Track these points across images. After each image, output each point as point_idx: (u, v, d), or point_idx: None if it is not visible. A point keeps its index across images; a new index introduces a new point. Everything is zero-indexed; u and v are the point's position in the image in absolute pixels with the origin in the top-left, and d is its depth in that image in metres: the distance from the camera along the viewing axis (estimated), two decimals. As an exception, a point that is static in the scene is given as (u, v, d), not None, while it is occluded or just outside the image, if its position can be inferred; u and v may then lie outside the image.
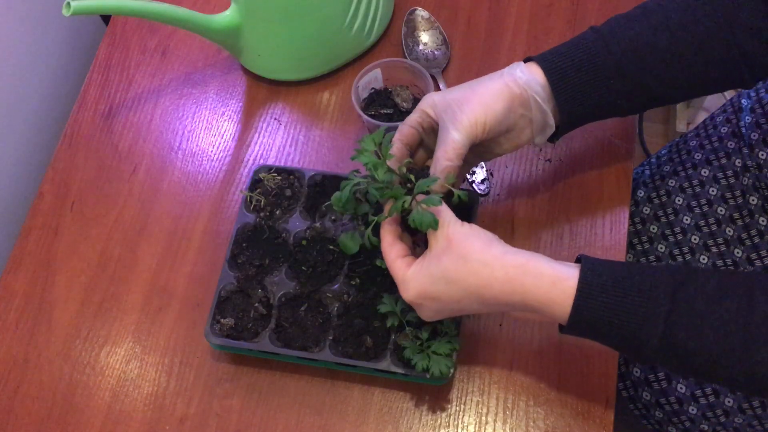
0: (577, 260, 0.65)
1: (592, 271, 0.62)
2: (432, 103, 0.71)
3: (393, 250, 0.68)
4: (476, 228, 0.66)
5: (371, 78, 0.87)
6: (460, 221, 0.66)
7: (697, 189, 0.92)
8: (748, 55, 0.70)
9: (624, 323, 0.61)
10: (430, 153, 0.73)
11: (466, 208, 0.81)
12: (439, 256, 0.65)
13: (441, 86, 0.93)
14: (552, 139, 0.76)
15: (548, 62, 0.72)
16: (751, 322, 0.58)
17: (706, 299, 0.60)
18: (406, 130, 0.72)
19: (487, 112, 0.69)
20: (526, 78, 0.71)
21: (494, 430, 0.75)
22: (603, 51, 0.71)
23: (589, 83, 0.71)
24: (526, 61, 0.74)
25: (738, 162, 0.91)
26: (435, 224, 0.65)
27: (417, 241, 0.72)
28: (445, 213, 0.66)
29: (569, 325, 0.63)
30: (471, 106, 0.69)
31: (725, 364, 0.59)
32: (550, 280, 0.62)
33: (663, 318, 0.59)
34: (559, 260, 0.64)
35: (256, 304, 0.78)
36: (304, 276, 0.79)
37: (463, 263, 0.64)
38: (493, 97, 0.70)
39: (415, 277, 0.66)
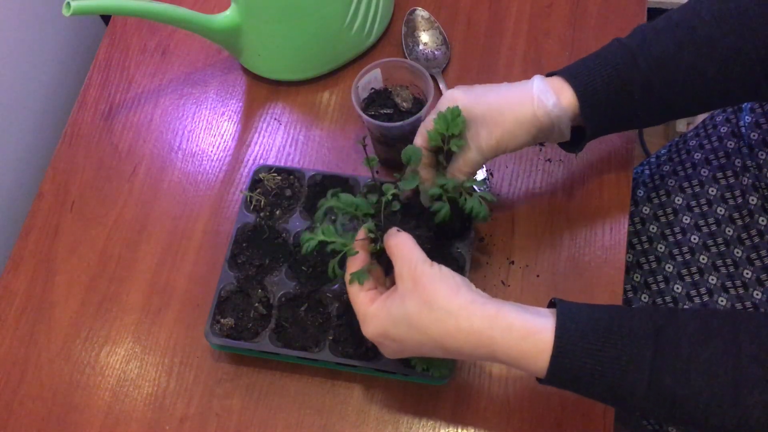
0: (551, 302, 0.64)
1: (569, 317, 0.59)
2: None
3: (356, 283, 0.66)
4: (446, 271, 0.63)
5: (371, 78, 0.87)
6: (429, 261, 0.63)
7: (697, 189, 0.92)
8: None
9: (607, 371, 0.58)
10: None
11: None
12: (403, 298, 0.62)
13: (441, 86, 0.93)
14: (573, 149, 0.77)
15: (582, 87, 0.70)
16: (739, 365, 0.56)
17: (689, 342, 0.57)
18: (426, 133, 0.72)
19: (510, 141, 0.71)
20: (558, 113, 0.70)
21: (494, 430, 0.75)
22: (631, 67, 0.70)
23: (617, 103, 0.71)
24: (551, 74, 0.73)
25: (738, 162, 0.91)
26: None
27: (388, 273, 0.69)
28: (414, 252, 0.63)
29: (549, 375, 0.59)
30: (495, 131, 0.70)
31: (716, 409, 0.56)
32: (519, 333, 0.59)
33: (648, 363, 0.57)
34: (530, 307, 0.62)
35: (256, 304, 0.78)
36: (304, 276, 0.80)
37: (427, 310, 0.60)
38: (518, 127, 0.70)
39: (377, 315, 0.63)
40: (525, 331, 0.59)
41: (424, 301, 0.61)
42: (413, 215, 0.74)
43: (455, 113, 0.69)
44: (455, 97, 0.71)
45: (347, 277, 0.66)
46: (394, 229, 0.67)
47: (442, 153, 0.72)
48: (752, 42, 0.69)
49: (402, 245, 0.64)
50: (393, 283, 0.65)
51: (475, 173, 0.73)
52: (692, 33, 0.70)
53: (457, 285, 0.62)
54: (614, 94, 0.71)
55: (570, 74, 0.72)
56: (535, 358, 0.59)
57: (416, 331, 0.61)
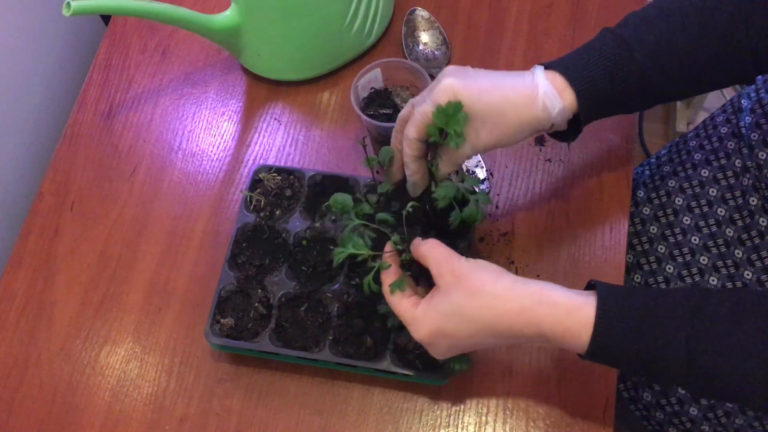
0: (588, 284, 0.65)
1: (608, 298, 0.61)
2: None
3: (397, 291, 0.67)
4: (482, 261, 0.65)
5: (371, 78, 0.87)
6: (463, 257, 0.65)
7: (697, 189, 0.92)
8: (758, 54, 0.70)
9: (645, 350, 0.60)
10: None
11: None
12: (448, 293, 0.64)
13: (441, 86, 0.93)
14: (567, 139, 0.76)
15: (583, 87, 0.69)
16: None
17: (724, 321, 0.59)
18: (422, 126, 0.68)
19: (509, 141, 0.70)
20: (561, 118, 0.69)
21: (494, 430, 0.75)
22: (628, 59, 0.70)
23: (614, 96, 0.71)
24: (547, 67, 0.71)
25: (738, 162, 0.91)
26: (477, 215, 0.70)
27: (419, 282, 0.71)
28: (448, 250, 0.66)
29: (590, 352, 0.61)
30: (495, 132, 0.68)
31: (749, 385, 0.59)
32: (565, 309, 0.61)
33: (684, 343, 0.59)
34: (570, 288, 0.64)
35: (256, 304, 0.78)
36: (304, 276, 0.79)
37: (474, 298, 0.63)
38: (519, 130, 0.69)
39: (425, 315, 0.65)
40: (569, 307, 0.61)
41: (470, 291, 0.63)
42: (417, 221, 0.75)
43: (457, 108, 0.66)
44: (456, 89, 0.67)
45: (386, 289, 0.68)
46: (418, 239, 0.69)
47: (436, 148, 0.71)
48: (743, 25, 0.69)
49: (434, 248, 0.66)
50: (426, 291, 0.67)
51: (460, 166, 0.71)
52: (684, 20, 0.70)
53: (497, 271, 0.65)
54: (612, 89, 0.70)
55: (570, 72, 0.70)
56: (579, 333, 0.61)
57: (467, 321, 0.63)
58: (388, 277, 0.68)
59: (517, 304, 0.62)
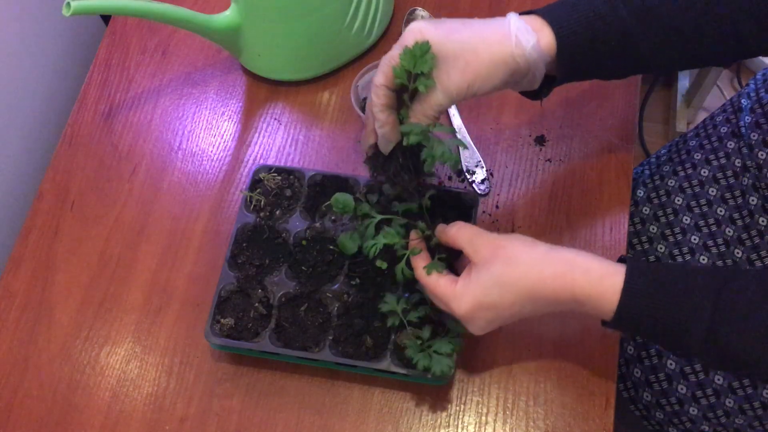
0: (620, 258, 0.67)
1: (638, 269, 0.63)
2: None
3: (434, 272, 0.69)
4: (512, 234, 0.69)
5: (371, 78, 0.87)
6: (493, 233, 0.68)
7: (697, 189, 0.92)
8: (741, 35, 0.70)
9: (668, 322, 0.62)
10: None
11: (466, 209, 0.81)
12: (486, 266, 0.65)
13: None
14: (538, 97, 0.73)
15: (562, 29, 0.67)
16: None
17: (748, 301, 0.61)
18: (389, 71, 0.66)
19: (483, 84, 0.65)
20: (536, 56, 0.66)
21: (494, 430, 0.75)
22: (612, 13, 0.68)
23: (593, 50, 0.69)
24: (526, 13, 0.69)
25: (738, 162, 0.91)
26: (451, 156, 0.65)
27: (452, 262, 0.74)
28: (477, 228, 0.69)
29: (614, 320, 0.64)
30: (468, 73, 0.64)
31: (765, 362, 0.61)
32: (598, 274, 0.64)
33: (707, 318, 0.61)
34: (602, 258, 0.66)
35: (256, 304, 0.78)
36: (304, 276, 0.79)
37: (513, 267, 0.65)
38: (493, 69, 0.65)
39: (466, 291, 0.66)
40: (602, 273, 0.64)
41: (508, 260, 0.65)
42: (415, 214, 0.75)
43: (424, 49, 0.63)
44: (423, 30, 0.64)
45: (421, 272, 0.70)
46: (442, 224, 0.71)
47: (406, 92, 0.66)
48: (729, 3, 0.69)
49: (463, 228, 0.69)
50: (457, 274, 0.69)
51: (439, 117, 0.67)
52: None
53: (530, 240, 0.67)
54: (592, 40, 0.68)
55: (549, 14, 0.68)
56: (610, 299, 0.63)
57: (507, 290, 0.65)
58: (420, 261, 0.70)
59: (554, 270, 0.64)
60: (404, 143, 0.67)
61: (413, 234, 0.72)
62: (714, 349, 0.62)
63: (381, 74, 0.66)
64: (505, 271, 0.65)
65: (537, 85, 0.70)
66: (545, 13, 0.68)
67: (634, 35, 0.69)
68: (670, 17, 0.69)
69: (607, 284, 0.63)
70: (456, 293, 0.67)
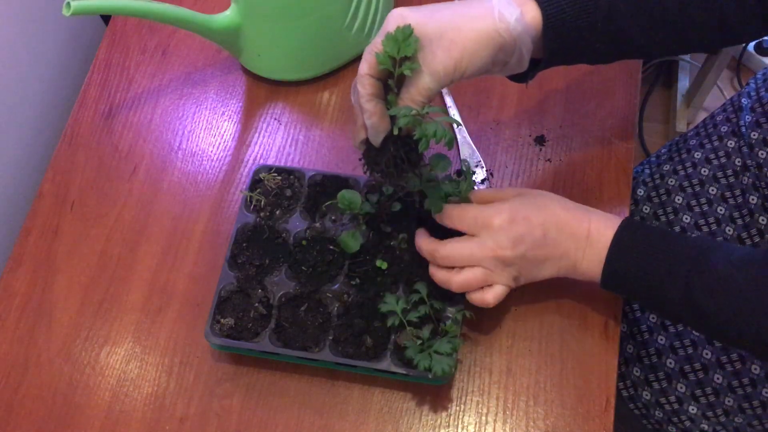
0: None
1: (629, 226, 0.70)
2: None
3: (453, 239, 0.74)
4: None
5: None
6: None
7: (697, 188, 0.92)
8: (726, 21, 0.70)
9: (648, 280, 0.68)
10: None
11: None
12: (519, 196, 0.74)
13: (441, 86, 0.93)
14: (524, 79, 0.73)
15: (550, 9, 0.66)
16: (765, 291, 0.62)
17: (729, 265, 0.64)
18: (373, 60, 0.64)
19: (470, 63, 0.64)
20: (520, 29, 0.65)
21: (494, 430, 0.75)
22: None
23: (579, 29, 0.68)
24: None
25: (738, 161, 0.91)
26: (445, 134, 0.63)
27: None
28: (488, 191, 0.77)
29: (604, 270, 0.70)
30: (453, 51, 0.63)
31: (736, 326, 0.65)
32: (611, 222, 0.71)
33: (683, 278, 0.65)
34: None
35: (256, 304, 0.78)
36: (304, 276, 0.79)
37: (545, 198, 0.74)
38: (479, 45, 0.64)
39: (504, 206, 0.72)
40: (608, 223, 0.72)
41: (538, 193, 0.75)
42: (413, 216, 0.75)
43: (406, 32, 0.62)
44: (404, 14, 0.64)
45: (450, 207, 0.74)
46: (451, 206, 0.75)
47: (392, 79, 0.65)
48: None
49: (487, 192, 0.77)
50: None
51: (429, 102, 0.65)
52: None
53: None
54: (578, 18, 0.67)
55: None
56: (605, 247, 0.71)
57: (541, 210, 0.72)
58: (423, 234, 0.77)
59: (575, 211, 0.73)
60: (394, 131, 0.65)
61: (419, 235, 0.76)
62: (691, 310, 0.66)
63: (365, 63, 0.65)
64: (539, 199, 0.73)
65: (525, 66, 0.69)
66: None
67: (620, 17, 0.68)
68: (657, 4, 0.69)
69: (608, 234, 0.70)
70: (495, 206, 0.72)
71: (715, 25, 0.71)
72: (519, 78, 0.73)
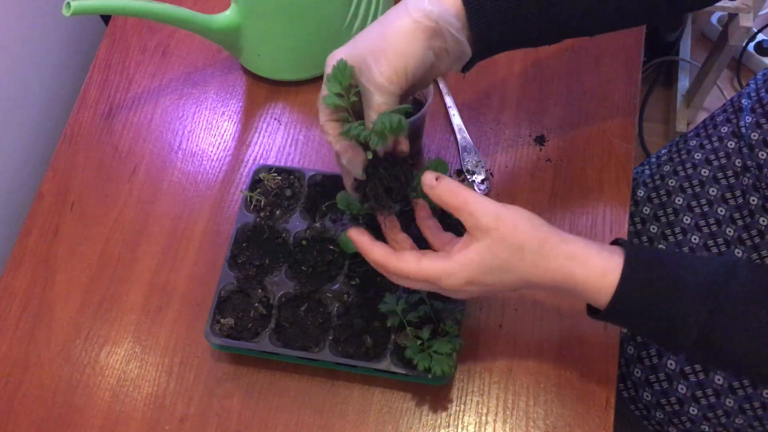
0: (615, 242, 0.66)
1: (634, 267, 0.63)
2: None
3: (407, 258, 0.64)
4: (515, 208, 0.64)
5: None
6: (500, 205, 0.64)
7: (697, 189, 0.92)
8: None
9: (661, 320, 0.62)
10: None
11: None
12: (487, 243, 0.62)
13: (440, 86, 0.93)
14: (465, 68, 0.70)
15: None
16: None
17: (745, 301, 0.61)
18: (325, 109, 0.66)
19: (406, 61, 0.63)
20: (437, 10, 0.63)
21: (494, 430, 0.75)
22: None
23: (506, 10, 0.66)
24: None
25: (738, 162, 0.91)
26: (401, 124, 0.61)
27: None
28: (474, 198, 0.63)
29: (605, 313, 0.64)
30: (387, 58, 0.62)
31: (756, 363, 0.62)
32: (599, 271, 0.63)
33: (703, 319, 0.60)
34: (602, 244, 0.65)
35: (256, 304, 0.78)
36: (304, 276, 0.79)
37: (520, 255, 0.63)
38: (407, 42, 0.63)
39: (464, 266, 0.63)
40: (604, 270, 0.63)
41: (516, 248, 0.63)
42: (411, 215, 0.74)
43: (341, 66, 0.63)
44: (334, 54, 0.65)
45: (393, 261, 0.64)
46: (429, 176, 0.64)
47: (349, 113, 0.65)
48: None
49: (458, 189, 0.63)
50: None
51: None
52: None
53: (533, 218, 0.64)
54: (505, 4, 0.65)
55: None
56: (606, 293, 0.63)
57: (509, 276, 0.64)
58: (390, 241, 0.67)
59: (558, 264, 0.63)
60: (368, 155, 0.64)
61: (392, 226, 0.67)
62: (706, 349, 0.62)
63: (321, 114, 0.66)
64: (512, 258, 0.63)
65: (468, 50, 0.67)
66: None
67: (557, 4, 0.66)
68: None
69: (607, 282, 0.63)
70: (448, 268, 0.63)
71: None
72: (462, 68, 0.71)
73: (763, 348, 0.60)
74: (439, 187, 0.63)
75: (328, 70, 0.65)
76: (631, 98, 0.93)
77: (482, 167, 0.88)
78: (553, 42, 0.72)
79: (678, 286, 0.61)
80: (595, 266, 0.63)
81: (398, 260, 0.64)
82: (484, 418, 0.76)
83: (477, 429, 0.75)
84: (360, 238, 0.66)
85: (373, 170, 0.65)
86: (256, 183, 0.85)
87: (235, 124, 0.95)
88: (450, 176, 0.82)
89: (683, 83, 1.80)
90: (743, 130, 0.91)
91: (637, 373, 0.90)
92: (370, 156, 0.65)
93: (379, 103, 0.63)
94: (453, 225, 0.70)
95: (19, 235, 0.89)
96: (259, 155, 0.92)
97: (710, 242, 0.89)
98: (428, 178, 0.64)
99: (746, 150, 0.90)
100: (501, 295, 0.81)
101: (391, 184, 0.65)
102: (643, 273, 0.62)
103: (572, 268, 0.63)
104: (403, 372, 0.73)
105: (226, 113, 0.96)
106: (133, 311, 0.84)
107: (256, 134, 0.94)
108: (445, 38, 0.65)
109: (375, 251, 0.65)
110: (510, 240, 0.62)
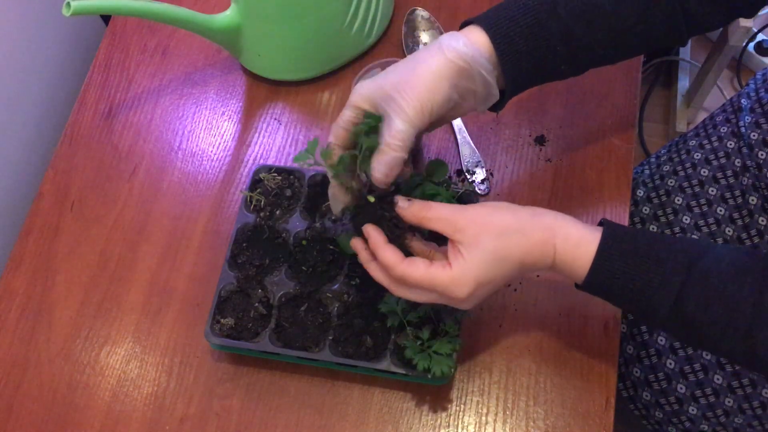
0: (600, 222, 0.67)
1: (612, 236, 0.64)
2: (366, 96, 0.66)
3: (418, 263, 0.64)
4: (486, 203, 0.67)
5: (371, 77, 0.87)
6: (469, 205, 0.66)
7: (697, 189, 0.93)
8: (690, 13, 0.69)
9: (637, 290, 0.63)
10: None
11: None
12: (477, 243, 0.63)
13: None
14: (495, 108, 0.72)
15: (495, 29, 0.67)
16: (761, 303, 0.60)
17: (720, 275, 0.62)
18: (340, 132, 0.67)
19: (432, 97, 0.65)
20: (471, 52, 0.65)
21: (494, 430, 0.75)
22: (550, 15, 0.67)
23: (536, 50, 0.68)
24: (465, 24, 0.69)
25: (737, 162, 0.91)
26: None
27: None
28: (451, 206, 0.66)
29: (585, 283, 0.65)
30: (414, 91, 0.64)
31: (729, 339, 0.62)
32: (575, 241, 0.65)
33: (676, 289, 0.62)
34: (580, 222, 0.67)
35: (256, 304, 0.78)
36: (304, 276, 0.80)
37: (504, 239, 0.64)
38: (436, 79, 0.65)
39: (464, 272, 0.63)
40: (580, 240, 0.65)
41: (498, 233, 0.64)
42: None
43: (372, 118, 0.65)
44: (363, 84, 0.66)
45: (402, 266, 0.64)
46: (403, 201, 0.66)
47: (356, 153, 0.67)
48: None
49: (437, 208, 0.65)
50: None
51: (408, 147, 0.65)
52: None
53: (511, 207, 0.67)
54: (534, 44, 0.67)
55: (485, 22, 0.68)
56: (583, 265, 0.65)
57: (504, 263, 0.65)
58: (393, 255, 0.66)
59: (539, 236, 0.65)
60: (370, 193, 0.67)
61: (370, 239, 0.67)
62: (679, 321, 0.63)
63: (332, 136, 0.69)
64: (500, 245, 0.64)
65: (495, 92, 0.69)
66: (480, 20, 0.68)
67: (576, 35, 0.68)
68: (613, 12, 0.68)
69: (583, 251, 0.64)
70: (455, 277, 0.63)
71: (679, 20, 0.69)
72: (493, 107, 0.73)
73: (734, 321, 0.61)
74: (412, 205, 0.66)
75: (353, 98, 0.67)
76: (631, 98, 0.93)
77: (482, 167, 0.88)
78: (579, 73, 0.74)
79: (653, 258, 0.63)
80: (572, 235, 0.65)
81: (409, 264, 0.65)
82: (484, 418, 0.76)
83: (477, 429, 0.75)
84: (375, 235, 0.66)
85: (367, 204, 0.68)
86: (256, 183, 0.85)
87: (235, 124, 0.95)
88: (450, 176, 0.83)
89: (683, 83, 1.80)
90: (743, 129, 0.91)
91: (637, 372, 0.90)
92: (372, 200, 0.68)
93: (398, 129, 0.64)
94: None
95: (19, 235, 0.89)
96: (259, 155, 0.92)
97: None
98: (400, 200, 0.66)
99: (746, 150, 0.90)
100: (501, 295, 0.81)
101: (383, 212, 0.67)
102: (620, 245, 0.64)
103: (552, 239, 0.65)
104: (403, 372, 0.73)
105: (226, 113, 0.96)
106: (133, 311, 0.84)
107: (256, 134, 0.94)
108: (474, 79, 0.67)
109: (387, 252, 0.65)
110: (490, 229, 0.64)
